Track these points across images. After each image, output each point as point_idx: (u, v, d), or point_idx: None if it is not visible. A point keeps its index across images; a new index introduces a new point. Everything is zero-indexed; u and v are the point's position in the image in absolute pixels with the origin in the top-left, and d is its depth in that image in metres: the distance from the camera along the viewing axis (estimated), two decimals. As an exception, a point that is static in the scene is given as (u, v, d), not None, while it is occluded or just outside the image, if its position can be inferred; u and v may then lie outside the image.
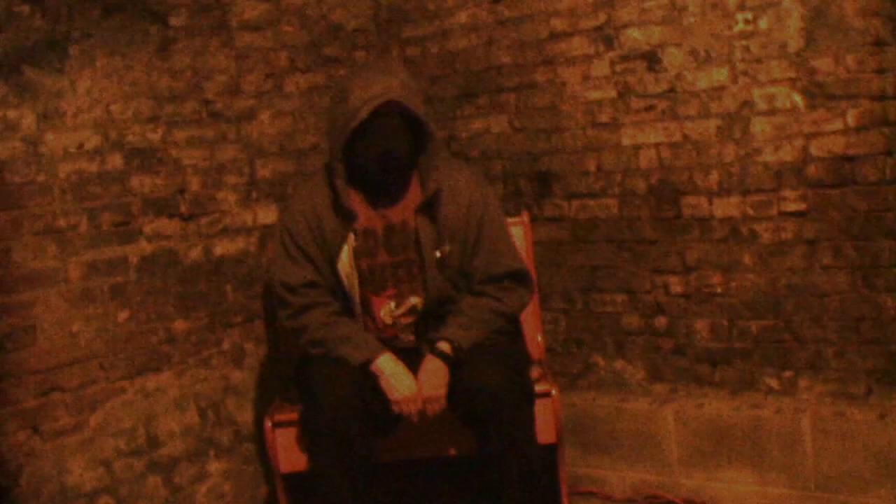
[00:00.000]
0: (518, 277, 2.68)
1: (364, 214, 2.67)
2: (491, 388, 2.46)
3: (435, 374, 2.54)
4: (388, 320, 2.68)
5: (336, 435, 2.45)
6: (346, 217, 2.64)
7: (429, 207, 2.64)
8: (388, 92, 2.51)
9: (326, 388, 2.49)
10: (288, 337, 3.09)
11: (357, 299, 2.66)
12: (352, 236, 2.64)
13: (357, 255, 2.65)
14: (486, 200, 2.69)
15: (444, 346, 2.56)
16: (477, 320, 2.61)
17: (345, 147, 2.57)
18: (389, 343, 2.66)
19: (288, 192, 3.31)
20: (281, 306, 2.69)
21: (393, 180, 2.65)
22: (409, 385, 2.54)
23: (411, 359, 2.63)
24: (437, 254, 2.63)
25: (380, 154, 2.57)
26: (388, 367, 2.55)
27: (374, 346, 2.59)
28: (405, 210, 2.67)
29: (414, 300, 2.68)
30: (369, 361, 2.55)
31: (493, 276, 2.66)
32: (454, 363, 2.55)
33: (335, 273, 2.65)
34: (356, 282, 2.65)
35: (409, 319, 2.68)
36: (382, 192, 2.68)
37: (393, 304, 2.68)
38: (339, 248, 2.64)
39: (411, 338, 2.69)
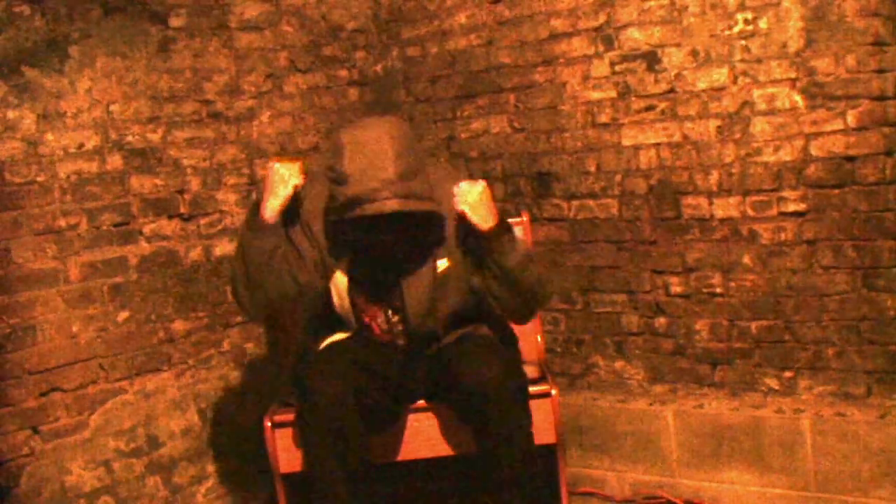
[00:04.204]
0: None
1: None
2: (487, 383, 2.47)
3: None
4: (385, 326, 2.69)
5: (330, 430, 2.46)
6: (341, 252, 2.65)
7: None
8: (381, 194, 2.43)
9: (320, 383, 2.51)
10: (288, 338, 3.10)
11: (352, 314, 2.67)
12: (341, 273, 2.65)
13: (356, 276, 2.66)
14: None
15: None
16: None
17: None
18: (385, 346, 2.68)
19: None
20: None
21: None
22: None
23: (407, 359, 2.67)
24: (438, 268, 2.62)
25: (369, 242, 2.58)
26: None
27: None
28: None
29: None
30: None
31: None
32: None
33: (325, 286, 2.65)
34: (347, 297, 2.66)
35: (402, 326, 2.69)
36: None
37: (388, 314, 2.68)
38: (333, 271, 2.64)
39: (404, 341, 2.69)
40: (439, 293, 2.62)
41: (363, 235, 2.57)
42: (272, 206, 2.57)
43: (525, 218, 3.12)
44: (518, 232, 2.96)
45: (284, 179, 2.57)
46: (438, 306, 2.63)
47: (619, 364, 3.28)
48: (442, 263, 2.62)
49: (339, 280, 2.64)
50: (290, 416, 2.69)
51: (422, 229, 2.59)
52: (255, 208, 2.59)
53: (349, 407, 2.48)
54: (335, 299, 2.66)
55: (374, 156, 2.45)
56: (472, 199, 2.52)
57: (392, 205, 2.44)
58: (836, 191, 2.81)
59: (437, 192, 2.55)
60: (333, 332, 2.72)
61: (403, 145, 2.49)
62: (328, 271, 2.63)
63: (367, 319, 2.68)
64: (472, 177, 2.73)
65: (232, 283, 2.66)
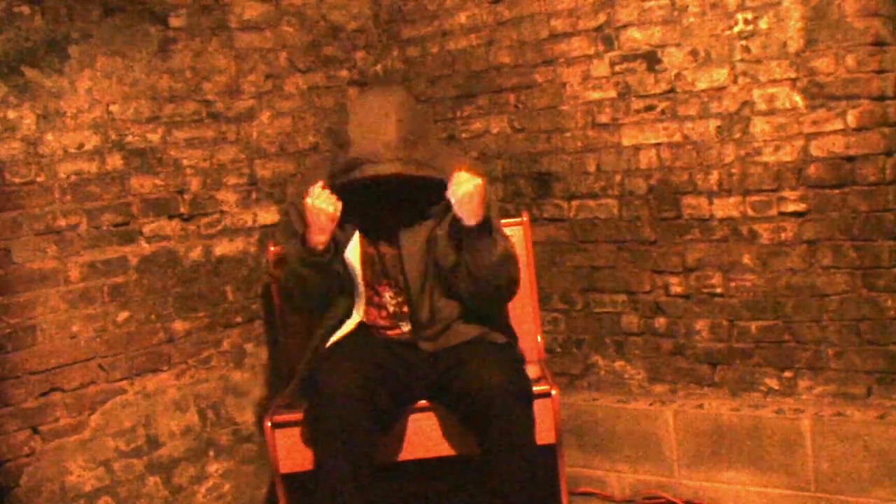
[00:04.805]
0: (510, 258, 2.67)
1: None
2: (491, 388, 2.47)
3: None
4: (391, 308, 2.71)
5: (340, 428, 2.46)
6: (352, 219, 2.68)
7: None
8: (381, 157, 2.49)
9: (332, 382, 2.51)
10: (290, 338, 3.10)
11: (362, 286, 2.70)
12: (358, 234, 2.69)
13: (363, 244, 2.70)
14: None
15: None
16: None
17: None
18: (389, 335, 2.71)
19: (288, 191, 3.31)
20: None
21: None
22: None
23: (408, 352, 2.68)
24: (438, 232, 2.65)
25: (372, 210, 2.66)
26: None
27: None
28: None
29: None
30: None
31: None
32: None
33: (342, 260, 2.69)
34: (360, 270, 2.69)
35: (407, 308, 2.70)
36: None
37: (393, 292, 2.71)
38: (347, 240, 2.68)
39: (408, 328, 2.71)
40: (434, 264, 2.64)
41: (365, 204, 2.59)
42: (322, 240, 2.58)
43: (525, 218, 3.12)
44: (517, 232, 2.98)
45: (329, 212, 2.55)
46: (435, 281, 2.65)
47: (619, 364, 3.27)
48: (439, 235, 2.64)
49: (353, 251, 2.67)
50: (290, 417, 2.70)
51: (424, 199, 2.60)
52: (304, 243, 2.59)
53: (360, 405, 2.48)
54: (351, 270, 2.69)
55: (377, 120, 2.49)
56: (463, 191, 2.51)
57: (391, 167, 2.47)
58: (836, 191, 2.81)
59: (440, 161, 2.59)
60: (342, 322, 2.72)
61: (406, 111, 2.53)
62: (342, 244, 2.66)
63: (375, 299, 2.71)
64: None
65: (287, 299, 2.79)
